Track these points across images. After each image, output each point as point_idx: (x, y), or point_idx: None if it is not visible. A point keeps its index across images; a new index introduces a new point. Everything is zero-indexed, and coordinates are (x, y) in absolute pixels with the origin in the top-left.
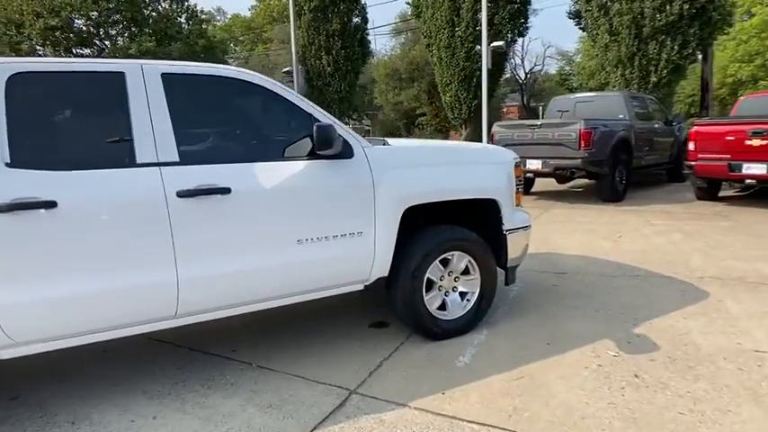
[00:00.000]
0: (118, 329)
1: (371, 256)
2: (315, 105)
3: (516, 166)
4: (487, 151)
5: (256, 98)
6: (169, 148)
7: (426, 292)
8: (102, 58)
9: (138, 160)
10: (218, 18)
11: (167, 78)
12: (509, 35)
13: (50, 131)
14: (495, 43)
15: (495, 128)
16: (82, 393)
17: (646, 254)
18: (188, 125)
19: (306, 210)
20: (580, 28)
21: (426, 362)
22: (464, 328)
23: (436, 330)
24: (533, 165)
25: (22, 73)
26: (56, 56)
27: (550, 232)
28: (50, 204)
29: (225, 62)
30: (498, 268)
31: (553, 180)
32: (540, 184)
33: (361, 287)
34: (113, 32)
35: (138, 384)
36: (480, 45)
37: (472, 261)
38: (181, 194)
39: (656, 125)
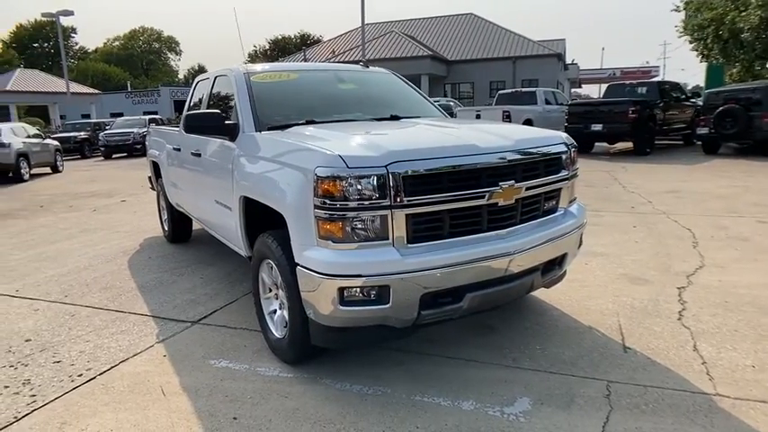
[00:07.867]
0: None
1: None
2: None
3: (324, 180)
4: (291, 150)
5: None
6: None
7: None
8: None
9: None
10: None
11: None
12: None
13: None
14: None
15: None
16: None
17: None
18: None
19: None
20: None
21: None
22: (283, 354)
23: (267, 335)
24: None
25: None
26: None
27: None
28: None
29: None
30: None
31: None
32: None
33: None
34: None
35: None
36: None
37: (283, 283)
38: None
39: None
